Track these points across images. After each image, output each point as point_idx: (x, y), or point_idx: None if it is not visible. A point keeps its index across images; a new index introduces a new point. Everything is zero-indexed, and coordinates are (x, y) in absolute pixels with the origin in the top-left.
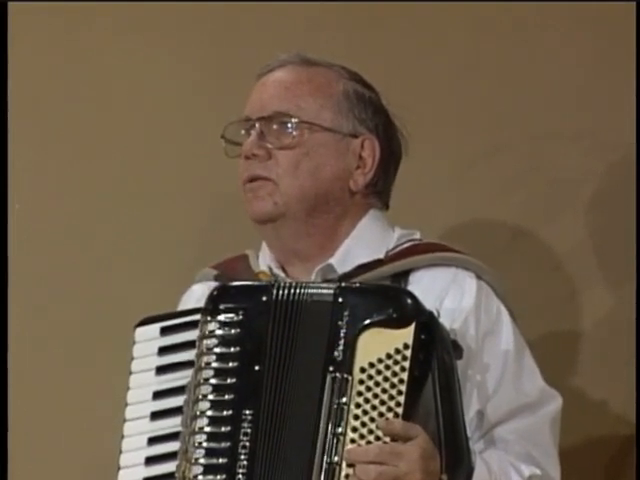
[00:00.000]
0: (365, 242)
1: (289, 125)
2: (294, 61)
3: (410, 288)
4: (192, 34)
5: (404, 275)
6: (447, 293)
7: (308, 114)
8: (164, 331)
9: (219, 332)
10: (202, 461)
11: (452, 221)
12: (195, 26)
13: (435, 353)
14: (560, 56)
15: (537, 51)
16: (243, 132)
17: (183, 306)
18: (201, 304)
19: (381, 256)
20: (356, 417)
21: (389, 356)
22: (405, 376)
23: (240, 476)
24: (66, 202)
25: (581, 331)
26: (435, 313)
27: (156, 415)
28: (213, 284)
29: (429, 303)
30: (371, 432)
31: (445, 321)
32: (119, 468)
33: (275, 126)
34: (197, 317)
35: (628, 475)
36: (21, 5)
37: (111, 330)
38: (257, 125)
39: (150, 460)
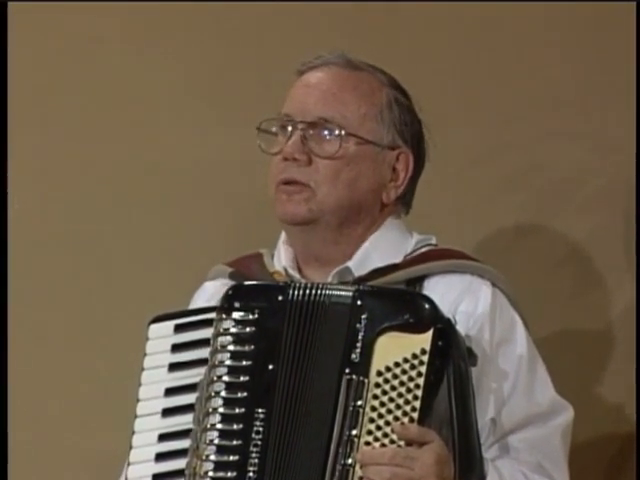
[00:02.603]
0: (384, 247)
1: (333, 134)
2: (338, 62)
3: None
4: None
5: (419, 280)
6: (462, 300)
7: (352, 124)
8: (178, 328)
9: (234, 330)
10: (213, 458)
11: (452, 221)
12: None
13: (451, 359)
14: (560, 56)
15: (537, 51)
16: (275, 128)
17: (195, 303)
18: (213, 301)
19: (398, 261)
20: (371, 420)
21: (406, 360)
22: (421, 381)
23: (251, 474)
24: (66, 202)
25: (581, 330)
26: (452, 320)
27: (167, 412)
28: (227, 281)
29: (444, 310)
30: (386, 436)
31: (460, 328)
32: (129, 464)
33: (318, 132)
34: (211, 315)
35: (628, 475)
36: (21, 5)
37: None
38: (300, 127)
39: (160, 456)
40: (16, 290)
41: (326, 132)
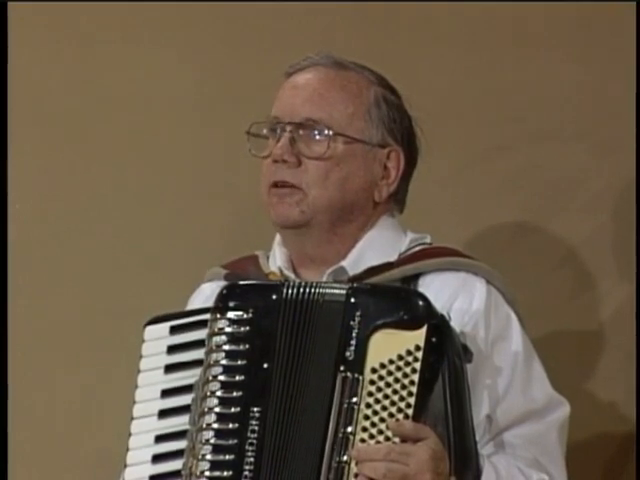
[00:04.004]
0: (378, 246)
1: (321, 135)
2: (325, 63)
3: None
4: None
5: (413, 279)
6: (457, 298)
7: (340, 124)
8: (173, 330)
9: (228, 330)
10: (209, 457)
11: (452, 221)
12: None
13: (446, 356)
14: (560, 56)
15: (537, 51)
16: (265, 131)
17: (192, 305)
18: (210, 303)
19: (393, 259)
20: (366, 417)
21: (400, 357)
22: (416, 377)
23: (247, 473)
24: (66, 202)
25: (581, 330)
26: (446, 316)
27: (164, 413)
28: (223, 283)
29: (439, 307)
30: (381, 432)
31: (455, 325)
32: (126, 465)
33: (307, 133)
34: (207, 316)
35: (628, 475)
36: (21, 5)
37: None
38: (288, 129)
39: (157, 458)
40: (16, 290)
41: (314, 133)
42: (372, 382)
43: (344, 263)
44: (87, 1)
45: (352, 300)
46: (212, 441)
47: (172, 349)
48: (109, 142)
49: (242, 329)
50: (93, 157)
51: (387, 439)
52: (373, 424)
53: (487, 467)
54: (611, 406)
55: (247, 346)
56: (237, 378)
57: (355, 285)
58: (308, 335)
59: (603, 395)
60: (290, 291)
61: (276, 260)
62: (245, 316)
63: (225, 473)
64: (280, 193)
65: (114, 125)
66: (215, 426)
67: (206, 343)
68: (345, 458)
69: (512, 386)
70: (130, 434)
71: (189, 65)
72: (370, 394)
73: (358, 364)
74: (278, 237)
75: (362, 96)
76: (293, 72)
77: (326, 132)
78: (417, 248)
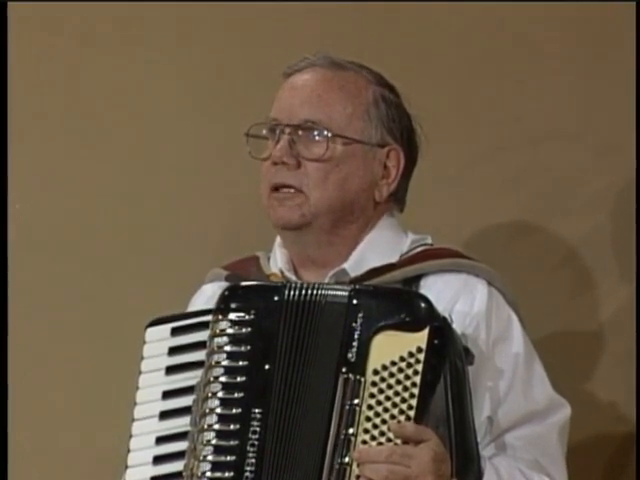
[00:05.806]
0: (379, 247)
1: (320, 136)
2: (323, 64)
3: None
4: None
5: (415, 280)
6: (458, 299)
7: (339, 125)
8: (175, 331)
9: (230, 331)
10: (210, 458)
11: (452, 221)
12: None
13: (448, 358)
14: (560, 56)
15: (537, 50)
16: (265, 131)
17: (193, 306)
18: (211, 304)
19: (394, 260)
20: (368, 419)
21: (402, 359)
22: (418, 379)
23: (248, 474)
24: (66, 203)
25: (581, 330)
26: (448, 318)
27: (165, 415)
28: (224, 284)
29: (440, 309)
30: (383, 434)
31: (456, 327)
32: (127, 467)
33: (305, 135)
34: (208, 318)
35: (628, 475)
36: (21, 5)
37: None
38: (287, 131)
39: (158, 459)
40: (16, 290)
41: (313, 134)
42: (374, 384)
43: (346, 265)
44: (87, 1)
45: (354, 302)
46: (213, 442)
47: (173, 350)
48: (109, 142)
49: (244, 330)
50: (93, 157)
51: (389, 441)
52: (375, 426)
53: (488, 469)
54: (611, 406)
55: (249, 347)
56: (238, 379)
57: (357, 287)
58: (310, 336)
59: (603, 395)
60: (292, 292)
61: (277, 261)
62: (247, 317)
63: (226, 474)
64: (281, 197)
65: (114, 125)
66: (216, 427)
67: (207, 344)
68: (347, 460)
69: (513, 388)
70: (131, 435)
71: (189, 65)
72: (372, 396)
73: (360, 365)
74: (279, 238)
75: (361, 96)
76: (291, 73)
77: (325, 133)
78: (418, 249)
